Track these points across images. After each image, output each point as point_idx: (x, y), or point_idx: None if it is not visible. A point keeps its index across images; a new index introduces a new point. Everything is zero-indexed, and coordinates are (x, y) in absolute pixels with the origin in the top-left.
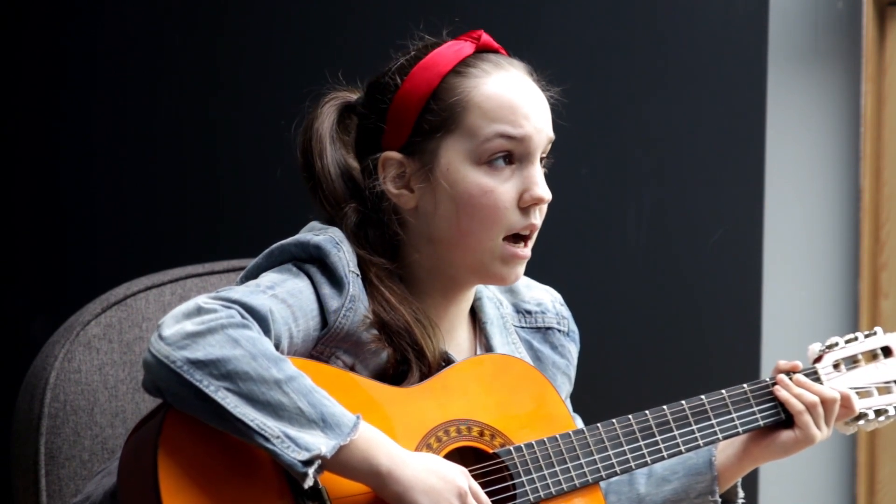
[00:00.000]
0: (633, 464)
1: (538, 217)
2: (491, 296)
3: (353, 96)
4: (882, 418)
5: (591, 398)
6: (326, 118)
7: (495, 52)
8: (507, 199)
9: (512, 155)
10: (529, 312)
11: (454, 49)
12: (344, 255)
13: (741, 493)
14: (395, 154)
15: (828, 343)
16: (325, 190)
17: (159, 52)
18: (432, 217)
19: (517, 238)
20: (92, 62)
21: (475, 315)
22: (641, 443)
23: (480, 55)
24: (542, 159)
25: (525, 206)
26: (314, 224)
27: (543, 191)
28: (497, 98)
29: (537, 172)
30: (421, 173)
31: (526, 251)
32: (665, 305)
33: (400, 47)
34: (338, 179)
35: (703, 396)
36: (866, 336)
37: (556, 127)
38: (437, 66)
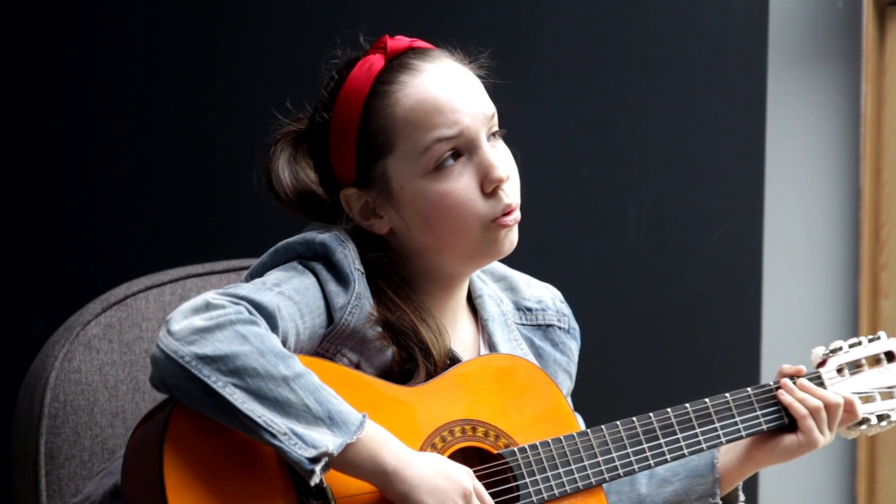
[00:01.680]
0: (636, 466)
1: (509, 196)
2: (491, 293)
3: (304, 125)
4: (884, 423)
5: (590, 397)
6: (281, 155)
7: (407, 50)
8: (469, 192)
9: (457, 150)
10: (530, 310)
11: (365, 68)
12: (349, 253)
13: (742, 496)
14: (351, 190)
15: (831, 347)
16: (303, 217)
17: (159, 51)
18: (408, 234)
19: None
20: (92, 62)
21: (476, 312)
22: (644, 445)
23: (393, 64)
24: (494, 135)
25: (489, 192)
26: (318, 223)
27: (501, 171)
28: (420, 106)
29: (488, 155)
30: (381, 199)
31: (511, 218)
32: (665, 305)
33: (324, 69)
34: (309, 210)
35: (706, 399)
36: (870, 340)
37: (555, 124)
38: (355, 94)
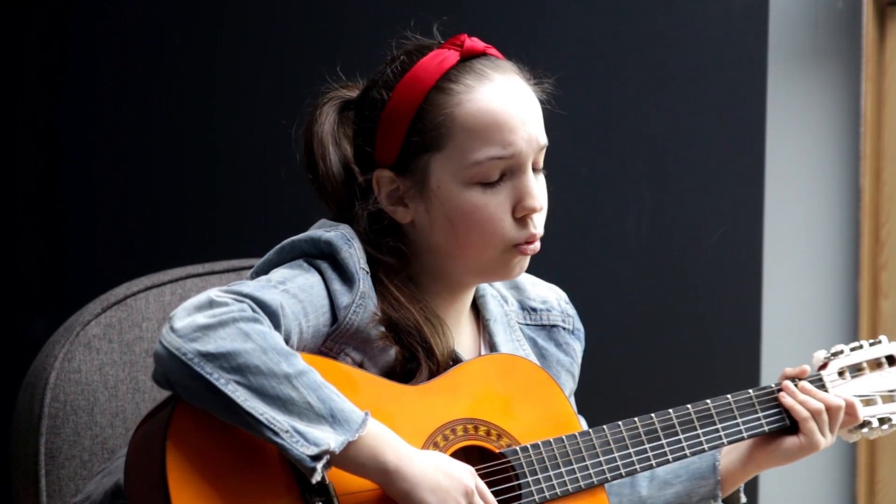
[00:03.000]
0: (637, 466)
1: (536, 227)
2: (495, 293)
3: (353, 93)
4: (885, 427)
5: (590, 397)
6: (327, 119)
7: (481, 54)
8: (501, 211)
9: (503, 170)
10: (535, 310)
11: (437, 61)
12: (355, 252)
13: (743, 498)
14: (386, 172)
15: (833, 350)
16: (329, 193)
17: (159, 52)
18: (430, 230)
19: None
20: (92, 62)
21: (478, 312)
22: (647, 446)
23: (465, 64)
24: (535, 167)
25: (520, 217)
26: (324, 221)
27: (536, 201)
28: (482, 116)
29: (530, 182)
30: (413, 190)
31: (532, 247)
32: (665, 305)
33: (394, 46)
34: (342, 182)
35: (708, 401)
36: (871, 344)
37: (557, 125)
38: (420, 82)
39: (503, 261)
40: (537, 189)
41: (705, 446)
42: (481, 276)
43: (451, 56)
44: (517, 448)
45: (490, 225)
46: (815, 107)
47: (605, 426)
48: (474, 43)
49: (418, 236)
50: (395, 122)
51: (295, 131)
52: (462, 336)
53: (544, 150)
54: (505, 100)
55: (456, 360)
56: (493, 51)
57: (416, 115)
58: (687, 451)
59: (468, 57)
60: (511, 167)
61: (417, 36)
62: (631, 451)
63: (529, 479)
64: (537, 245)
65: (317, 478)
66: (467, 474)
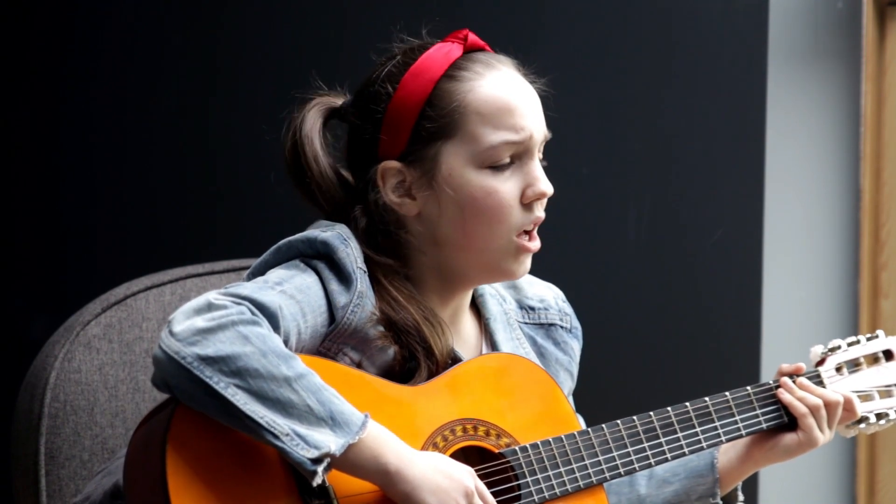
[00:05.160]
0: (636, 465)
1: (541, 210)
2: (493, 292)
3: (338, 101)
4: (883, 422)
5: (589, 397)
6: (314, 123)
7: (482, 50)
8: (511, 197)
9: (514, 155)
10: (533, 309)
11: (443, 52)
12: (352, 252)
13: (741, 496)
14: (393, 163)
15: (830, 346)
16: (323, 194)
17: (159, 52)
18: (437, 222)
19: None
20: (92, 62)
21: (478, 312)
22: (645, 444)
23: (469, 56)
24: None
25: (528, 202)
26: (321, 221)
27: (546, 185)
28: (494, 101)
29: (537, 167)
30: (423, 180)
31: (535, 244)
32: (665, 305)
33: (382, 51)
34: (335, 184)
35: (706, 398)
36: (868, 339)
37: (555, 124)
38: (428, 72)
39: (508, 256)
40: (544, 174)
41: (704, 444)
42: (486, 272)
43: (455, 48)
44: (517, 448)
45: (499, 210)
46: (815, 107)
47: (603, 425)
48: (476, 38)
49: (425, 229)
50: (405, 113)
51: (283, 136)
52: (463, 336)
53: (544, 144)
54: (513, 87)
55: (455, 359)
56: (490, 49)
57: (427, 103)
58: (686, 450)
59: (471, 51)
60: (521, 153)
61: (408, 38)
62: (630, 449)
63: (529, 479)
64: (538, 243)
65: (317, 481)
66: (467, 475)
